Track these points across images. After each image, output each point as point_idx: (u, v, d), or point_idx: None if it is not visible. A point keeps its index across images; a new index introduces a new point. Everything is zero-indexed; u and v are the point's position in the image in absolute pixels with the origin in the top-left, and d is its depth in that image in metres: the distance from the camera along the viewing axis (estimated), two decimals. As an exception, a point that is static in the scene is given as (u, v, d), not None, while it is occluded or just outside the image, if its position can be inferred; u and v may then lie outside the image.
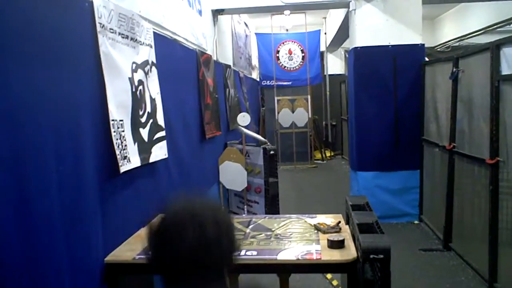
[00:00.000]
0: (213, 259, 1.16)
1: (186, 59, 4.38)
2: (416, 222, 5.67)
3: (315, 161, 10.63)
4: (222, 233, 1.17)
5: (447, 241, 4.66)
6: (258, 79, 11.23)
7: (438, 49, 9.82)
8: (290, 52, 10.64)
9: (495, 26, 7.61)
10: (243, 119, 5.60)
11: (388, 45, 5.60)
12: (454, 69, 4.45)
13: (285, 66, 10.63)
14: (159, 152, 3.19)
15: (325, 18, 11.00)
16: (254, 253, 2.33)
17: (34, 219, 1.72)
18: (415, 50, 5.61)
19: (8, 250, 1.59)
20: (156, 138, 3.15)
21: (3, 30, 1.66)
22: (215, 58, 5.77)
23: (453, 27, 9.72)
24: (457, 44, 9.17)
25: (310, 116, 10.35)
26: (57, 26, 2.02)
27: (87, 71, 2.27)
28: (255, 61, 11.24)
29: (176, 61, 4.02)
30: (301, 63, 10.60)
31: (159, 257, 1.16)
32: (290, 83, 10.60)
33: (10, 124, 1.65)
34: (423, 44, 5.66)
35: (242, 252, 2.33)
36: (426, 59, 5.78)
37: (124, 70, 2.66)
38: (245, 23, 9.60)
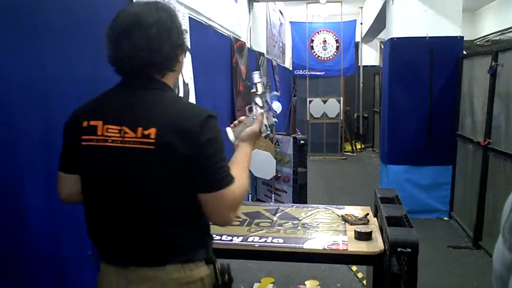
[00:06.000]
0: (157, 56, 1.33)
1: (220, 46, 4.40)
2: (445, 218, 5.57)
3: (345, 153, 10.54)
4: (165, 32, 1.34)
5: (477, 239, 4.57)
6: (290, 68, 11.18)
7: (478, 43, 9.53)
8: (324, 41, 10.53)
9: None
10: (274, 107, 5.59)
11: (426, 37, 5.47)
12: (493, 63, 4.32)
13: (318, 56, 10.53)
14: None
15: (361, 7, 10.81)
16: (281, 240, 2.34)
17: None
18: (454, 43, 5.46)
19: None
20: (188, 123, 3.17)
21: (45, 13, 1.73)
22: (248, 46, 5.77)
23: (494, 21, 9.40)
24: (497, 38, 8.88)
25: (342, 107, 10.25)
26: (94, 6, 2.06)
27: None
28: (288, 50, 11.18)
29: (210, 47, 4.04)
30: (335, 53, 10.48)
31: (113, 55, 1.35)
32: (323, 73, 10.50)
33: (44, 101, 1.73)
34: (462, 37, 5.49)
35: (269, 239, 2.35)
36: (464, 52, 5.62)
37: (159, 55, 2.69)
38: (280, 11, 9.55)
